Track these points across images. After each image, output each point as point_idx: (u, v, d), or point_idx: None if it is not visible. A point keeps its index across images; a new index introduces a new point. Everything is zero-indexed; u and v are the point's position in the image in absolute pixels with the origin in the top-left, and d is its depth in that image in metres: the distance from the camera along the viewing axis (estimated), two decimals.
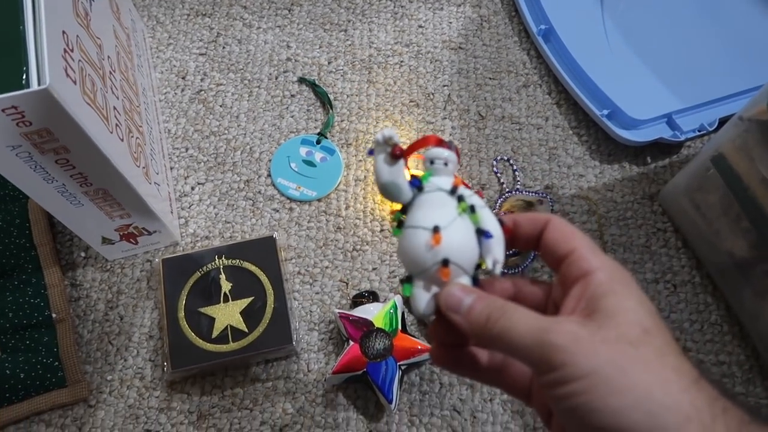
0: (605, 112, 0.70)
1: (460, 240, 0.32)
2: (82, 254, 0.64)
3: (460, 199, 0.33)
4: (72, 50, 0.44)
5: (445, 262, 0.31)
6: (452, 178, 0.34)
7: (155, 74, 0.74)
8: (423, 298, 0.32)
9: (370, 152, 0.35)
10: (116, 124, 0.51)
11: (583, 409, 0.24)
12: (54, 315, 0.60)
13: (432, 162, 0.34)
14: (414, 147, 0.33)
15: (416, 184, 0.34)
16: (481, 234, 0.32)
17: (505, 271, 0.63)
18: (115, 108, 0.52)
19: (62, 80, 0.41)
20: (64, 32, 0.44)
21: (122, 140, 0.52)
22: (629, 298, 0.27)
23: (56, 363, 0.58)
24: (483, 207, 0.33)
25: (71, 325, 0.60)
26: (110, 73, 0.54)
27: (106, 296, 0.62)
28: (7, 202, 0.63)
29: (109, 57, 0.55)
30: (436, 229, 0.31)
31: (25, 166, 0.45)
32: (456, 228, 0.32)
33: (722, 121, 0.68)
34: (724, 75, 0.72)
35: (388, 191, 0.35)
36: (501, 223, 0.33)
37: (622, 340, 0.25)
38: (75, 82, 0.43)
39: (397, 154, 0.33)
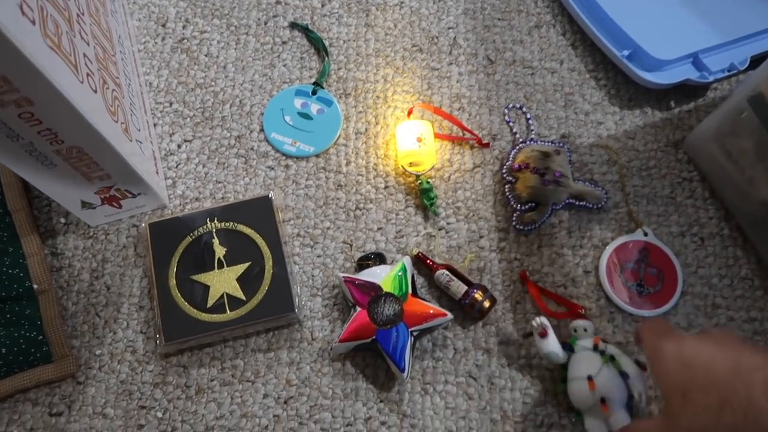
0: (625, 52, 0.64)
1: (608, 382, 0.48)
2: (62, 220, 0.59)
3: (602, 353, 0.50)
4: None
5: (603, 400, 0.47)
6: (592, 339, 0.51)
7: (132, 22, 0.67)
8: (594, 427, 0.49)
9: (526, 336, 0.55)
10: (87, 74, 0.45)
11: None
12: (35, 286, 0.55)
13: (576, 330, 0.53)
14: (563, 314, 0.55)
15: (568, 348, 0.51)
16: (624, 375, 0.48)
17: (521, 227, 0.59)
18: (85, 55, 0.46)
19: (17, 18, 0.35)
20: None
21: (96, 92, 0.46)
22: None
23: (40, 337, 0.54)
24: (621, 355, 0.50)
25: (54, 297, 0.56)
26: (78, 16, 0.48)
27: (91, 265, 0.57)
28: None
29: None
30: (589, 378, 0.48)
31: None
32: (604, 374, 0.48)
33: (754, 60, 0.63)
34: (755, 8, 0.66)
35: (550, 358, 0.51)
36: (638, 363, 0.49)
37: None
38: (33, 22, 0.37)
39: (543, 334, 0.51)
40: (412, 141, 0.59)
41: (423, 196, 0.59)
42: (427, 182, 0.60)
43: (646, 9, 0.66)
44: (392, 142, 0.62)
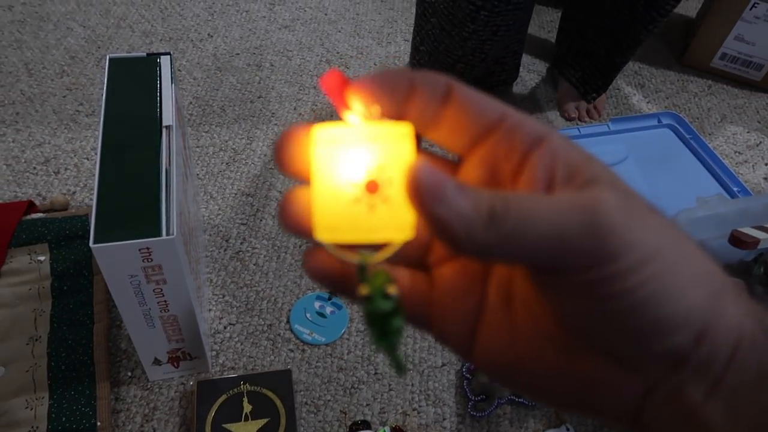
0: None
1: None
2: (129, 374, 0.77)
3: None
4: (181, 214, 0.64)
5: None
6: None
7: (204, 236, 0.94)
8: None
9: None
10: (192, 268, 0.69)
11: (651, 301, 0.19)
12: (98, 423, 0.72)
13: None
14: None
15: None
16: None
17: (475, 414, 0.77)
18: (190, 262, 0.70)
19: (179, 232, 0.60)
20: (179, 202, 0.64)
21: (195, 280, 0.69)
22: (598, 163, 0.20)
23: None
24: None
25: None
26: (190, 230, 0.73)
27: (144, 411, 0.74)
28: (78, 326, 0.78)
29: (189, 220, 0.75)
30: None
31: (131, 290, 0.61)
32: None
33: None
34: None
35: None
36: None
37: (653, 210, 0.20)
38: (182, 235, 0.62)
39: None
40: (351, 182, 0.20)
41: (376, 324, 0.20)
42: (384, 294, 0.20)
43: None
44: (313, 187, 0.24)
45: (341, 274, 0.22)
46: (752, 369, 0.20)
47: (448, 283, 0.23)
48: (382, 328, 0.20)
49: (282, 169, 0.21)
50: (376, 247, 0.21)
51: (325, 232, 0.20)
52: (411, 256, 0.24)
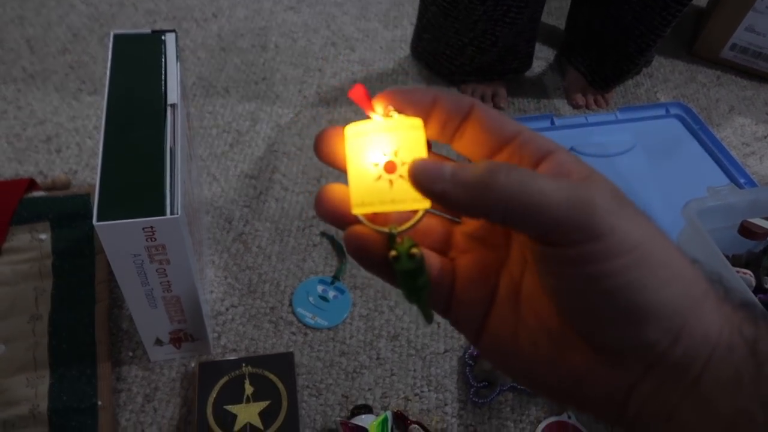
0: None
1: None
2: (130, 354, 0.77)
3: None
4: (185, 194, 0.63)
5: None
6: None
7: (207, 218, 0.93)
8: None
9: None
10: (195, 249, 0.68)
11: (630, 287, 0.20)
12: (99, 403, 0.71)
13: None
14: None
15: None
16: None
17: (477, 400, 0.77)
18: (193, 242, 0.70)
19: (183, 212, 0.59)
20: (183, 181, 0.63)
21: (198, 261, 0.69)
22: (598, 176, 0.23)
23: None
24: None
25: (112, 414, 0.71)
26: (194, 211, 0.72)
27: (145, 391, 0.74)
28: (79, 305, 0.77)
29: (192, 201, 0.74)
30: None
31: (134, 269, 0.61)
32: None
33: None
34: None
35: None
36: None
37: (643, 214, 0.22)
38: (186, 215, 0.61)
39: None
40: (374, 164, 0.25)
41: (405, 281, 0.25)
42: (410, 254, 0.25)
43: None
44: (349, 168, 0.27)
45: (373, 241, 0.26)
46: (728, 373, 0.21)
47: (466, 273, 0.27)
48: (412, 285, 0.25)
49: (321, 159, 0.26)
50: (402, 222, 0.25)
51: (359, 207, 0.25)
52: (435, 248, 0.27)
